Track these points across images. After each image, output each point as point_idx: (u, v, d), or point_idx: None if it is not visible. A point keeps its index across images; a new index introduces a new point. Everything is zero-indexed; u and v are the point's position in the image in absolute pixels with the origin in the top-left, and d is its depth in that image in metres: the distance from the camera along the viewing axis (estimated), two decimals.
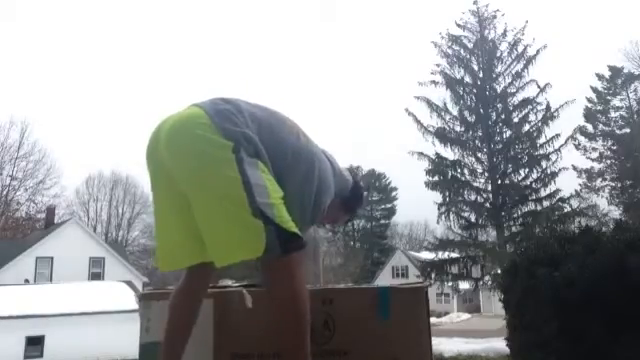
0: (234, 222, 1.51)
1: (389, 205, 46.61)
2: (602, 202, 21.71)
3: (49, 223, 26.85)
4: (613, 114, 24.11)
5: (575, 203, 16.17)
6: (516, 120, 15.62)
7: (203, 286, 1.75)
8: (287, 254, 1.51)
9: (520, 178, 15.37)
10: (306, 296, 1.54)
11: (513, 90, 15.83)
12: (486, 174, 15.64)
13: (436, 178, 15.46)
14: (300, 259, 1.57)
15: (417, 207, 49.96)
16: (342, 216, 2.17)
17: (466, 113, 15.98)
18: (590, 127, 23.80)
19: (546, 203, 15.07)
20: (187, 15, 60.38)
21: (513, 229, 15.26)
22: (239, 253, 1.51)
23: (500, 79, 16.07)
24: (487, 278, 15.28)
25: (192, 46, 58.44)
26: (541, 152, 15.29)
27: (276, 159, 1.63)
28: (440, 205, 15.31)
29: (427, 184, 15.43)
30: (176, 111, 1.71)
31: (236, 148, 1.55)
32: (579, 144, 22.18)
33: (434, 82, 15.96)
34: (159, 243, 1.72)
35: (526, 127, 15.50)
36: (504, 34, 16.29)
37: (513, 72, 15.95)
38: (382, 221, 46.45)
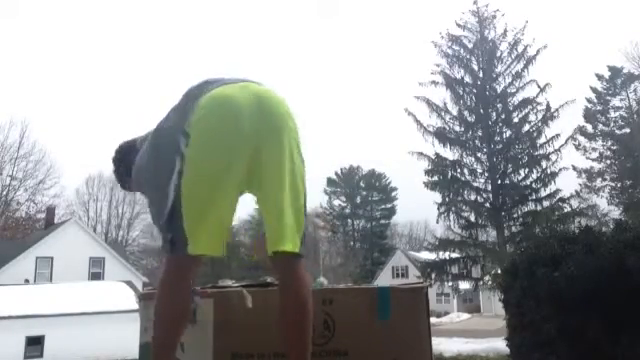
0: (299, 211, 1.54)
1: (389, 205, 46.59)
2: (602, 202, 21.74)
3: (49, 223, 26.84)
4: (613, 114, 24.12)
5: (575, 203, 16.18)
6: (516, 120, 15.61)
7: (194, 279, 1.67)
8: (302, 259, 1.56)
9: (520, 178, 15.37)
10: None
11: (513, 90, 15.83)
12: (486, 174, 15.64)
13: (436, 178, 15.47)
14: None
15: (417, 207, 49.99)
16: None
17: (466, 113, 15.98)
18: (590, 127, 23.82)
19: (546, 203, 15.07)
20: (186, 14, 60.40)
21: (513, 229, 15.26)
22: (290, 243, 1.50)
23: (500, 79, 16.07)
24: (487, 278, 15.27)
25: (191, 45, 58.45)
26: (541, 152, 15.29)
27: None
28: (440, 205, 15.31)
29: (427, 184, 15.43)
30: (233, 84, 1.61)
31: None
32: (579, 144, 22.21)
33: (434, 82, 15.97)
34: (205, 223, 1.51)
35: (526, 127, 15.50)
36: (504, 34, 16.30)
37: (513, 72, 15.95)
38: (382, 221, 46.45)
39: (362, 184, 47.03)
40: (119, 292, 11.36)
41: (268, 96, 1.59)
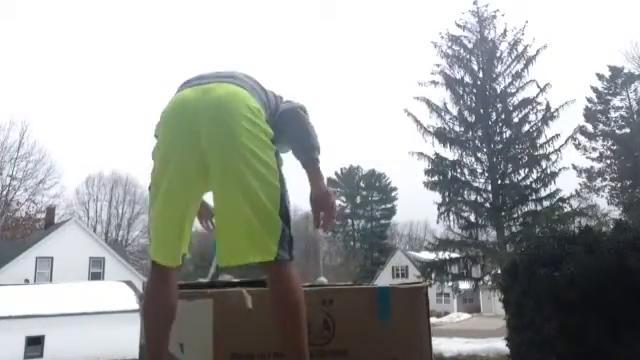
0: (260, 217, 1.45)
1: (389, 205, 46.58)
2: (602, 202, 21.71)
3: (49, 223, 26.84)
4: (613, 114, 24.09)
5: (575, 203, 16.17)
6: (516, 120, 15.60)
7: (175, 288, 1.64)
8: (292, 259, 1.53)
9: (520, 178, 15.35)
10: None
11: (513, 90, 15.81)
12: (486, 174, 15.63)
13: (436, 178, 15.45)
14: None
15: (417, 207, 49.98)
16: None
17: (466, 113, 15.97)
18: (590, 127, 23.79)
19: (546, 203, 15.06)
20: (187, 14, 60.40)
21: (513, 229, 15.24)
22: (251, 254, 1.45)
23: (500, 79, 16.05)
24: (487, 278, 15.27)
25: (192, 45, 58.44)
26: (541, 152, 15.27)
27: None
28: (440, 205, 15.30)
29: (427, 184, 15.42)
30: (205, 86, 1.60)
31: (274, 137, 1.55)
32: (579, 144, 22.17)
33: (434, 82, 15.96)
34: (157, 232, 1.57)
35: (526, 127, 15.49)
36: (504, 34, 16.28)
37: (513, 72, 15.93)
38: (382, 221, 46.46)
39: (362, 184, 47.05)
40: (119, 292, 11.38)
41: (226, 101, 1.53)
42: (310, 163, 1.67)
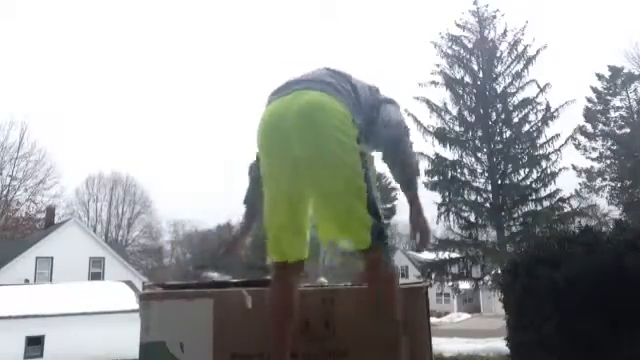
0: (351, 213, 1.64)
1: (389, 205, 46.42)
2: (602, 202, 21.70)
3: (49, 223, 26.85)
4: (613, 114, 24.08)
5: (575, 203, 16.16)
6: (516, 120, 15.60)
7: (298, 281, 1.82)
8: (383, 249, 1.69)
9: (520, 178, 15.34)
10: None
11: (513, 90, 15.81)
12: (486, 174, 15.62)
13: (436, 178, 15.44)
14: None
15: None
16: None
17: (466, 113, 15.96)
18: (590, 127, 23.79)
19: (546, 203, 15.05)
20: (186, 15, 60.41)
21: (513, 229, 15.23)
22: (351, 242, 1.66)
23: (500, 79, 16.04)
24: (487, 278, 15.26)
25: (191, 45, 58.46)
26: (541, 152, 15.26)
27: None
28: (440, 205, 15.29)
29: (427, 184, 15.40)
30: (294, 92, 1.75)
31: (358, 138, 1.68)
32: (579, 144, 22.15)
33: (434, 82, 15.94)
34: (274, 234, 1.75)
35: (526, 127, 15.48)
36: (504, 34, 16.27)
37: (513, 72, 15.92)
38: None
39: None
40: (119, 292, 11.37)
41: (311, 111, 1.67)
42: (414, 196, 1.93)
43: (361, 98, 1.79)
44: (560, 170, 15.14)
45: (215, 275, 2.18)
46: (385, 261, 1.72)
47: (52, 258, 22.84)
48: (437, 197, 15.39)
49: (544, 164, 15.10)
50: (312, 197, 1.69)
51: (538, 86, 15.45)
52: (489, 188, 15.51)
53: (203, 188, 48.85)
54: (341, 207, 1.65)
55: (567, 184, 16.65)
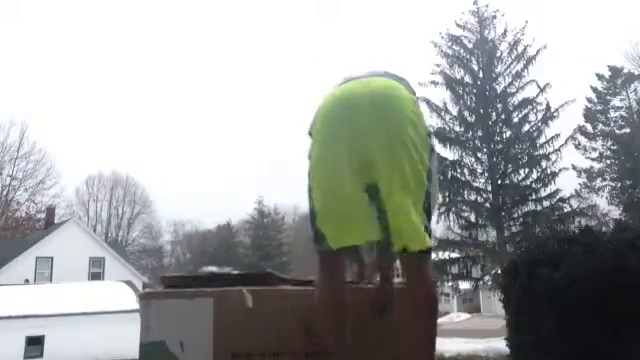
0: (414, 208, 1.51)
1: None
2: (602, 202, 21.73)
3: (49, 223, 26.86)
4: (613, 114, 24.11)
5: (575, 203, 16.18)
6: (516, 120, 15.62)
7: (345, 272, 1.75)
8: (430, 253, 1.60)
9: (520, 178, 15.36)
10: None
11: (513, 90, 15.83)
12: (486, 174, 15.64)
13: None
14: None
15: None
16: None
17: (466, 113, 15.98)
18: (590, 127, 23.81)
19: (546, 203, 15.07)
20: (186, 15, 60.41)
21: (513, 229, 15.25)
22: (417, 242, 1.52)
23: (500, 79, 16.06)
24: (487, 278, 15.27)
25: (191, 46, 58.47)
26: (541, 152, 15.29)
27: None
28: (440, 205, 15.30)
29: None
30: (359, 80, 1.65)
31: (429, 131, 1.63)
32: (579, 144, 22.19)
33: (434, 82, 15.96)
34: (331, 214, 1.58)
35: (526, 127, 15.50)
36: (504, 34, 16.29)
37: (513, 72, 15.95)
38: None
39: None
40: (119, 292, 11.35)
41: (391, 94, 1.58)
42: None
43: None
44: (560, 170, 15.18)
45: (214, 268, 2.15)
46: (430, 268, 1.65)
47: (52, 258, 22.84)
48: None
49: (544, 164, 15.12)
50: (379, 181, 1.54)
51: (538, 86, 15.47)
52: (489, 188, 15.52)
53: (203, 188, 48.89)
54: (410, 198, 1.51)
55: (567, 184, 16.68)
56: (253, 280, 1.94)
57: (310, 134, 1.70)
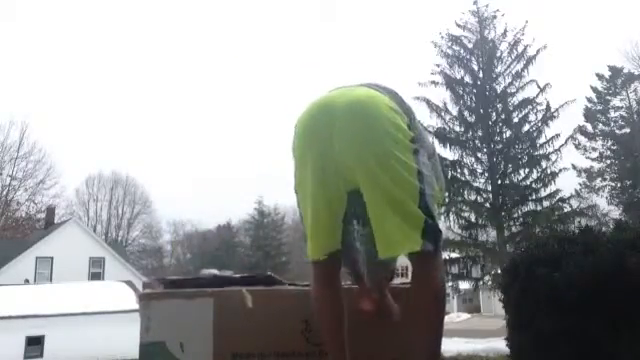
0: (401, 212, 1.51)
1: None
2: (602, 202, 21.74)
3: (49, 223, 26.87)
4: (613, 114, 24.13)
5: (575, 203, 16.20)
6: (516, 120, 15.62)
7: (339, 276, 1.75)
8: (438, 251, 1.58)
9: (520, 178, 15.36)
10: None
11: (513, 90, 15.83)
12: (486, 174, 15.64)
13: None
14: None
15: None
16: None
17: (466, 113, 15.98)
18: (590, 127, 23.82)
19: (546, 203, 15.07)
20: (186, 15, 60.42)
21: (513, 229, 15.25)
22: (401, 246, 1.53)
23: (500, 79, 16.06)
24: (487, 278, 15.27)
25: (191, 46, 58.48)
26: (541, 152, 15.29)
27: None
28: (440, 205, 15.29)
29: None
30: (342, 89, 1.68)
31: (413, 136, 1.61)
32: (579, 144, 22.20)
33: (434, 82, 15.97)
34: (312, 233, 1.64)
35: (526, 127, 15.51)
36: (504, 34, 16.29)
37: (513, 72, 15.95)
38: None
39: None
40: (119, 292, 11.35)
41: (365, 100, 1.59)
42: None
43: (412, 114, 1.75)
44: (560, 170, 15.18)
45: (215, 271, 2.16)
46: (437, 267, 1.62)
47: (52, 258, 22.85)
48: None
49: (544, 164, 15.12)
50: (361, 187, 1.56)
51: (538, 86, 15.47)
52: (489, 188, 15.52)
53: (203, 188, 48.91)
54: (389, 203, 1.51)
55: (567, 184, 16.69)
56: (254, 283, 1.95)
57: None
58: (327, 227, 1.61)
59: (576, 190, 20.58)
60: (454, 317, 26.80)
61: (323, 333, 1.70)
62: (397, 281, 1.96)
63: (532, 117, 15.49)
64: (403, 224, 1.50)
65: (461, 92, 16.06)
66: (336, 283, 1.70)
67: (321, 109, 1.63)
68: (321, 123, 1.60)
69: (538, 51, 15.65)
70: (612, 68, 23.98)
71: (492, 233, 15.48)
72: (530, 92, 15.62)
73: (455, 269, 15.35)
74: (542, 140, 15.30)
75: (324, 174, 1.58)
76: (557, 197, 15.09)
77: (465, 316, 27.70)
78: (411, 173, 1.54)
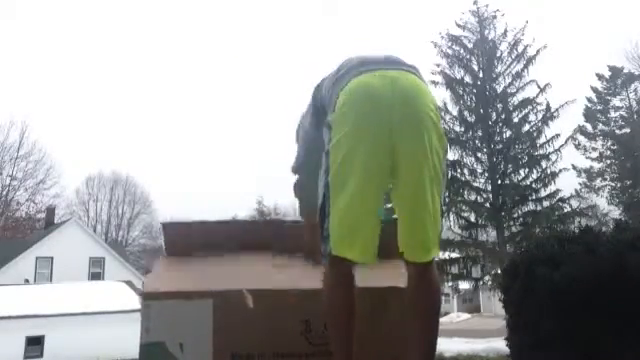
0: (435, 222, 1.58)
1: (389, 205, 46.53)
2: (602, 202, 21.74)
3: (49, 223, 26.86)
4: (613, 114, 24.13)
5: (575, 203, 16.19)
6: (516, 120, 15.62)
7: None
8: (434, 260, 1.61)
9: (520, 178, 15.36)
10: None
11: (513, 90, 15.83)
12: (486, 174, 15.64)
13: None
14: None
15: None
16: None
17: (466, 113, 15.98)
18: (590, 127, 23.82)
19: (546, 203, 15.07)
20: (186, 13, 60.39)
21: (513, 229, 15.25)
22: (431, 253, 1.58)
23: (500, 79, 16.06)
24: (487, 278, 15.27)
25: (191, 44, 58.45)
26: (541, 152, 15.29)
27: None
28: (440, 205, 15.28)
29: None
30: (386, 68, 1.60)
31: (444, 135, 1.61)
32: (579, 144, 22.19)
33: (434, 82, 15.95)
34: (350, 227, 1.54)
35: (526, 127, 15.50)
36: (504, 34, 16.29)
37: (513, 72, 15.95)
38: None
39: None
40: (119, 292, 11.37)
41: (416, 96, 1.55)
42: None
43: None
44: (560, 170, 15.18)
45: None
46: (435, 271, 1.63)
47: (52, 258, 22.84)
48: None
49: (544, 164, 15.12)
50: (401, 186, 1.53)
51: (538, 86, 15.47)
52: (489, 188, 15.52)
53: (203, 188, 48.87)
54: (430, 209, 1.52)
55: (567, 184, 16.68)
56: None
57: (329, 126, 1.59)
58: (371, 221, 1.55)
59: (576, 190, 20.59)
60: (454, 317, 26.79)
61: (334, 332, 1.66)
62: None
63: (532, 117, 15.51)
64: (434, 234, 1.57)
65: (461, 92, 16.06)
66: (354, 282, 1.65)
67: (372, 101, 1.53)
68: (376, 117, 1.52)
69: (538, 51, 15.67)
70: (612, 68, 23.98)
71: (492, 233, 15.48)
72: (530, 92, 15.64)
73: (455, 269, 15.35)
74: (542, 140, 15.30)
75: (378, 172, 1.53)
76: (557, 197, 15.08)
77: (465, 316, 27.68)
78: (443, 180, 1.63)
